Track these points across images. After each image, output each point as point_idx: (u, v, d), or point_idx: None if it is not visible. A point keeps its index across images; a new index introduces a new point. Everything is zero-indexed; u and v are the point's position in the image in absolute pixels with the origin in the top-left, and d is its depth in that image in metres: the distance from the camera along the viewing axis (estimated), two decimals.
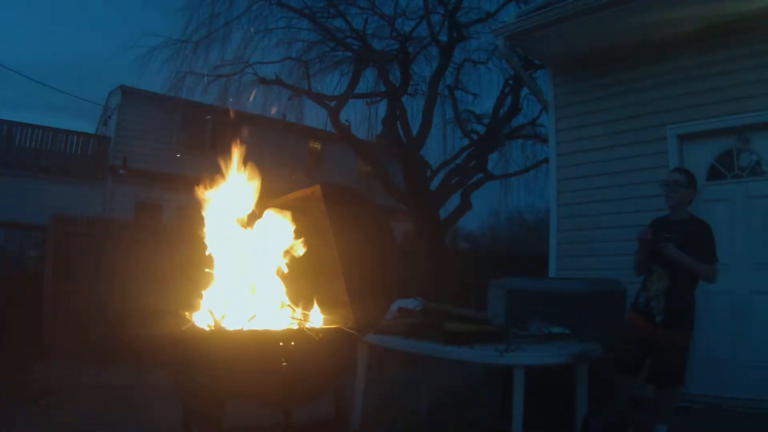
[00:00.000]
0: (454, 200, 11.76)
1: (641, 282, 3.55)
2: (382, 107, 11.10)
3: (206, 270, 2.88)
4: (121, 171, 13.44)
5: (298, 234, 2.99)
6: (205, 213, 2.91)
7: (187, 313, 2.81)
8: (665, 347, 3.31)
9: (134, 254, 6.70)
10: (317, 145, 16.93)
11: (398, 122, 10.58)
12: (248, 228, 2.93)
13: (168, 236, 7.12)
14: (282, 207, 3.09)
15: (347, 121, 11.06)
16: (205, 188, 2.91)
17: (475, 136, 11.86)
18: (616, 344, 3.54)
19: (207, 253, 2.88)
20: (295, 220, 3.03)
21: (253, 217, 2.97)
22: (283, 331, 2.64)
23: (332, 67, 11.03)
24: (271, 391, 2.51)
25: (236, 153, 2.92)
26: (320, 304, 2.87)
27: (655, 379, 3.40)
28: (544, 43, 5.47)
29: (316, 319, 2.83)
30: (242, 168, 2.94)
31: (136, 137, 13.82)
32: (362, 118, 12.07)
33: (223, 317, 2.59)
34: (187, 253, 2.92)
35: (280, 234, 2.96)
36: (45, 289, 6.49)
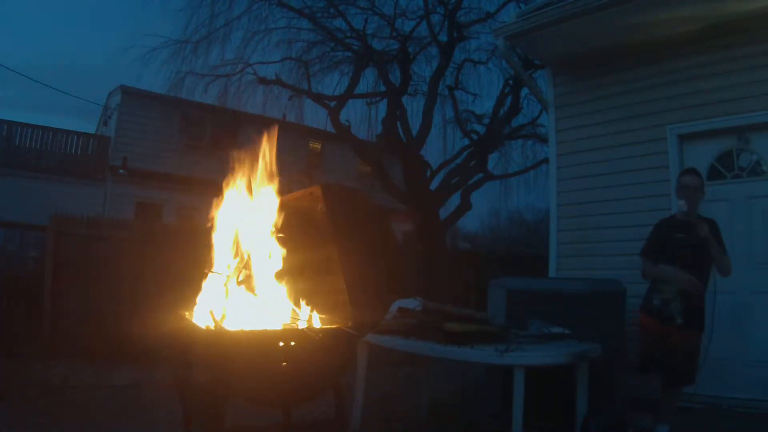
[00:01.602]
0: (454, 200, 11.74)
1: (651, 283, 3.51)
2: (382, 107, 11.09)
3: (206, 270, 2.88)
4: (121, 171, 13.44)
5: (298, 234, 2.99)
6: (213, 213, 2.92)
7: (187, 313, 2.82)
8: (681, 348, 3.27)
9: (134, 254, 6.70)
10: (317, 145, 16.92)
11: (398, 122, 10.56)
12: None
13: (168, 236, 7.12)
14: (282, 207, 3.09)
15: (347, 121, 11.05)
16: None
17: (475, 136, 11.84)
18: (638, 346, 3.49)
19: (207, 252, 2.88)
20: (295, 219, 3.03)
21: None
22: (283, 331, 2.64)
23: (332, 67, 11.03)
24: (271, 391, 2.51)
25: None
26: (320, 304, 2.87)
27: (670, 380, 3.35)
28: (544, 43, 5.47)
29: (316, 319, 2.83)
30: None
31: (136, 137, 13.81)
32: (362, 118, 12.04)
33: (223, 317, 2.59)
34: (187, 253, 2.92)
35: (279, 233, 2.96)
36: (45, 289, 6.49)
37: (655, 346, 3.35)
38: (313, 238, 2.96)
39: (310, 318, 2.80)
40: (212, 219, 2.95)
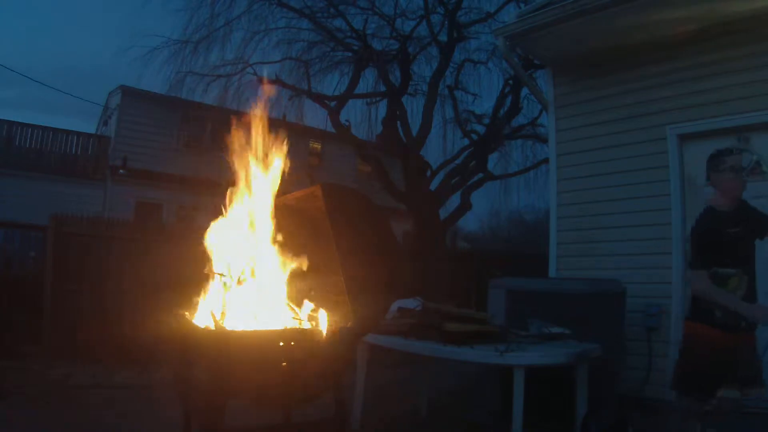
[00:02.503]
0: (454, 200, 11.76)
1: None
2: (382, 107, 11.09)
3: (206, 269, 2.88)
4: (121, 171, 13.44)
5: (298, 234, 2.99)
6: (210, 212, 2.93)
7: (187, 313, 2.82)
8: (747, 353, 2.88)
9: (134, 254, 6.71)
10: (317, 145, 16.92)
11: (398, 122, 10.57)
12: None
13: (167, 236, 7.12)
14: (282, 206, 3.09)
15: (347, 121, 11.05)
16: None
17: (475, 136, 11.84)
18: (692, 364, 2.98)
19: (207, 252, 2.88)
20: (295, 219, 3.03)
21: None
22: (283, 331, 2.64)
23: (332, 67, 11.04)
24: (271, 391, 2.51)
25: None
26: (320, 304, 2.87)
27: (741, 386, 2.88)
28: (544, 43, 5.46)
29: (316, 319, 2.83)
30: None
31: (136, 137, 13.81)
32: (362, 118, 12.03)
33: (223, 317, 2.59)
34: (188, 253, 2.92)
35: (280, 234, 2.96)
36: (45, 289, 6.49)
37: (719, 360, 2.81)
38: (313, 238, 2.96)
39: (310, 318, 2.81)
40: (211, 219, 2.95)
